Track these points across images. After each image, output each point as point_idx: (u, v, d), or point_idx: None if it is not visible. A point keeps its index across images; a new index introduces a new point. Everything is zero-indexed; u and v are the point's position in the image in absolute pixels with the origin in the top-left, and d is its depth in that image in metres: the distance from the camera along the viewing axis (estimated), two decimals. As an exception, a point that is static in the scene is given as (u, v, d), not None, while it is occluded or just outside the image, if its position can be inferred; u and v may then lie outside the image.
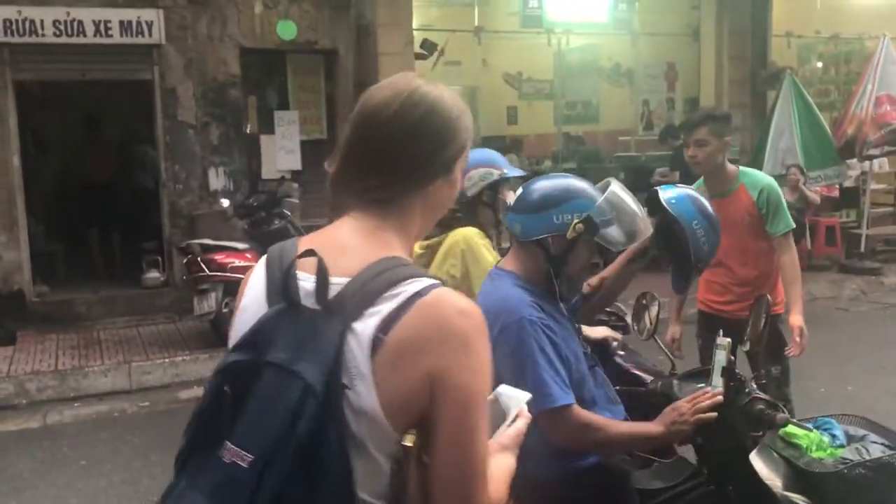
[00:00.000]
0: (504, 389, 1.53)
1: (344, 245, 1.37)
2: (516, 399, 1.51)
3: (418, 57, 10.35)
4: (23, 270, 8.31)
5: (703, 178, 3.92)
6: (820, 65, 12.80)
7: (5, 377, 6.59)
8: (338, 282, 1.29)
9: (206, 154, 8.74)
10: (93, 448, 5.36)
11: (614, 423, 2.29)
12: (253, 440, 1.20)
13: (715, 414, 2.26)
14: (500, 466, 1.40)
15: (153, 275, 8.91)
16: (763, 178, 3.88)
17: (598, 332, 2.89)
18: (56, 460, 5.19)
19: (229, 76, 8.74)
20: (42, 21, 7.88)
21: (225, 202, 8.15)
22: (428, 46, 10.68)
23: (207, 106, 8.69)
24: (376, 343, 1.25)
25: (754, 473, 2.38)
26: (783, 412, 2.24)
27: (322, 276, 1.27)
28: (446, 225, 3.45)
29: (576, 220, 2.23)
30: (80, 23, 7.99)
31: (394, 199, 1.41)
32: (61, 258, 9.72)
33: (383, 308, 1.27)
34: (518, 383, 2.08)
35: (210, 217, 8.23)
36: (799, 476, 2.40)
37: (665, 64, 12.26)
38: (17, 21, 7.81)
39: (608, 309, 3.09)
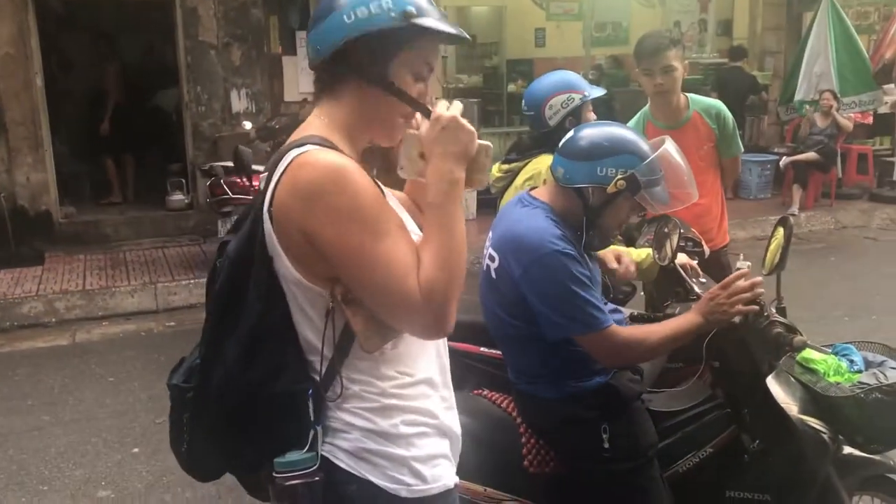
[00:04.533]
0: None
1: (295, 135, 1.55)
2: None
3: (443, -25, 10.08)
4: (49, 191, 8.39)
5: (648, 108, 3.68)
6: (860, -15, 12.33)
7: (34, 296, 6.72)
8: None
9: (227, 75, 8.67)
10: (121, 365, 5.48)
11: (653, 331, 2.30)
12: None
13: (756, 308, 2.25)
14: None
15: (177, 197, 8.98)
16: (713, 102, 3.71)
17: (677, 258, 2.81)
18: (85, 377, 5.32)
19: (250, -5, 8.61)
20: (61, -63, 7.78)
21: (247, 125, 8.12)
22: (453, -36, 10.40)
23: (229, 26, 8.58)
24: (271, 217, 1.46)
25: (770, 397, 2.38)
26: (801, 335, 2.22)
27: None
28: (527, 150, 3.39)
29: (619, 176, 2.19)
30: (100, -61, 7.88)
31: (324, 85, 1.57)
32: (87, 179, 9.79)
33: (272, 184, 1.46)
34: (559, 313, 2.16)
35: (233, 139, 8.19)
36: (815, 400, 2.41)
37: (698, -17, 11.88)
38: (35, -63, 7.71)
39: (686, 235, 3.00)
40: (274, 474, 1.48)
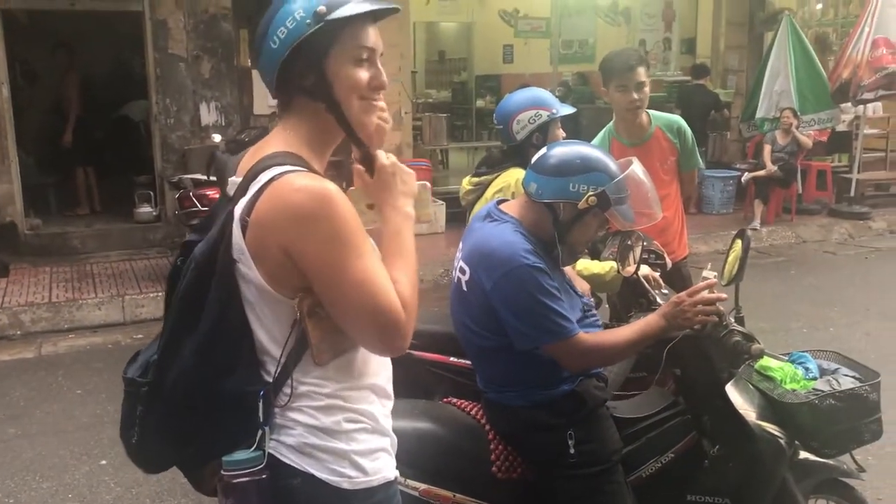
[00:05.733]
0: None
1: (264, 145, 1.63)
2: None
3: (413, -9, 10.20)
4: (15, 203, 8.31)
5: (613, 125, 3.75)
6: (820, 6, 12.65)
7: (-1, 308, 6.66)
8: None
9: (197, 88, 8.66)
10: (88, 378, 5.45)
11: (618, 335, 2.37)
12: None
13: (715, 318, 2.32)
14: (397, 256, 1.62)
15: (145, 209, 8.93)
16: (674, 117, 3.81)
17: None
18: (52, 389, 5.28)
19: (220, 8, 8.61)
20: (29, -52, 7.74)
21: (217, 137, 8.12)
22: (422, -19, 10.52)
23: (198, 39, 8.59)
24: (244, 225, 1.51)
25: (729, 404, 2.47)
26: (758, 344, 2.30)
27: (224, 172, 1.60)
28: (497, 164, 3.46)
29: (590, 193, 2.28)
30: (69, -50, 7.85)
31: (283, 107, 1.65)
32: (53, 191, 9.70)
33: (249, 195, 1.52)
34: (529, 323, 2.24)
35: (202, 152, 8.19)
36: (772, 406, 2.50)
37: (663, 3, 12.13)
38: (3, -52, 7.67)
39: (649, 248, 3.07)
40: (222, 472, 1.53)
